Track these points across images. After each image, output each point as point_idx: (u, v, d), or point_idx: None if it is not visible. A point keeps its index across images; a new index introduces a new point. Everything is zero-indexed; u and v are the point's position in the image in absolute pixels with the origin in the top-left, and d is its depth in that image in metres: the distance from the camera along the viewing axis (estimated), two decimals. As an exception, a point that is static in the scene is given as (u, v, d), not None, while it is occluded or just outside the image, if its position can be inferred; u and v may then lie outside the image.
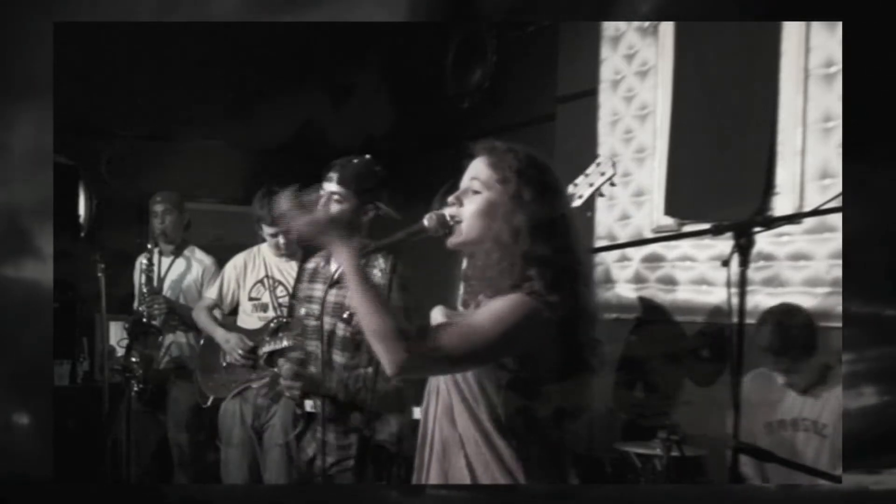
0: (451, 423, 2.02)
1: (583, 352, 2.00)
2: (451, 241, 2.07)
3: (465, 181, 2.09)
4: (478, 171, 2.07)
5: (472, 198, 2.05)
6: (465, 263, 2.14)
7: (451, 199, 2.08)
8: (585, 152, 4.87)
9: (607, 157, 3.60)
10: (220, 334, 4.29)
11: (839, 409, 3.31)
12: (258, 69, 6.29)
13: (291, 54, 6.30)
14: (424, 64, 6.43)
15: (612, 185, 3.57)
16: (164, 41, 5.89)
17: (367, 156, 3.23)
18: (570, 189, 3.46)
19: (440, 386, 2.06)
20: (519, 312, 1.92)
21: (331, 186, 3.10)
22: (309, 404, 4.57)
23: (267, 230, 4.26)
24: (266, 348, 4.18)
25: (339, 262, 2.08)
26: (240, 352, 4.19)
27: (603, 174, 3.50)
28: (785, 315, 3.52)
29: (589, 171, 3.53)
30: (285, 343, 4.13)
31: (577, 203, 3.46)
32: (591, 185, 3.49)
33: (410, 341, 1.91)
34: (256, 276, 4.37)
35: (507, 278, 1.96)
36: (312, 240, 2.11)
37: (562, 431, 2.03)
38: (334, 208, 3.07)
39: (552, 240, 1.98)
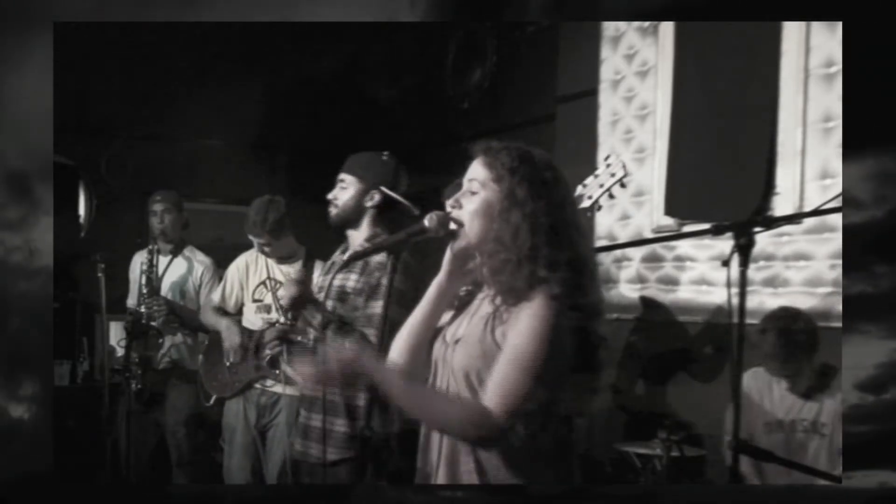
0: None
1: (594, 350, 1.99)
2: (456, 246, 2.06)
3: (465, 183, 2.08)
4: (475, 171, 2.06)
5: (471, 199, 2.04)
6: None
7: (450, 202, 2.06)
8: (585, 152, 4.88)
9: (617, 158, 3.56)
10: (223, 324, 4.30)
11: (839, 409, 3.32)
12: (259, 70, 6.28)
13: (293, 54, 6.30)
14: (424, 64, 6.43)
15: (623, 185, 3.49)
16: (164, 41, 5.89)
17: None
18: (580, 190, 3.43)
19: (450, 391, 2.03)
20: (551, 321, 1.90)
21: (339, 176, 3.22)
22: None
23: (255, 240, 4.26)
24: (267, 351, 4.18)
25: (384, 388, 1.97)
26: (236, 339, 4.18)
27: (613, 175, 3.43)
28: (787, 320, 3.52)
29: (599, 171, 3.47)
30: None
31: (585, 204, 3.42)
32: (601, 185, 3.44)
33: (485, 412, 1.88)
34: (259, 278, 4.36)
35: (520, 278, 1.94)
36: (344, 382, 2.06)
37: (570, 431, 2.02)
38: (341, 195, 3.17)
39: (554, 236, 1.97)
